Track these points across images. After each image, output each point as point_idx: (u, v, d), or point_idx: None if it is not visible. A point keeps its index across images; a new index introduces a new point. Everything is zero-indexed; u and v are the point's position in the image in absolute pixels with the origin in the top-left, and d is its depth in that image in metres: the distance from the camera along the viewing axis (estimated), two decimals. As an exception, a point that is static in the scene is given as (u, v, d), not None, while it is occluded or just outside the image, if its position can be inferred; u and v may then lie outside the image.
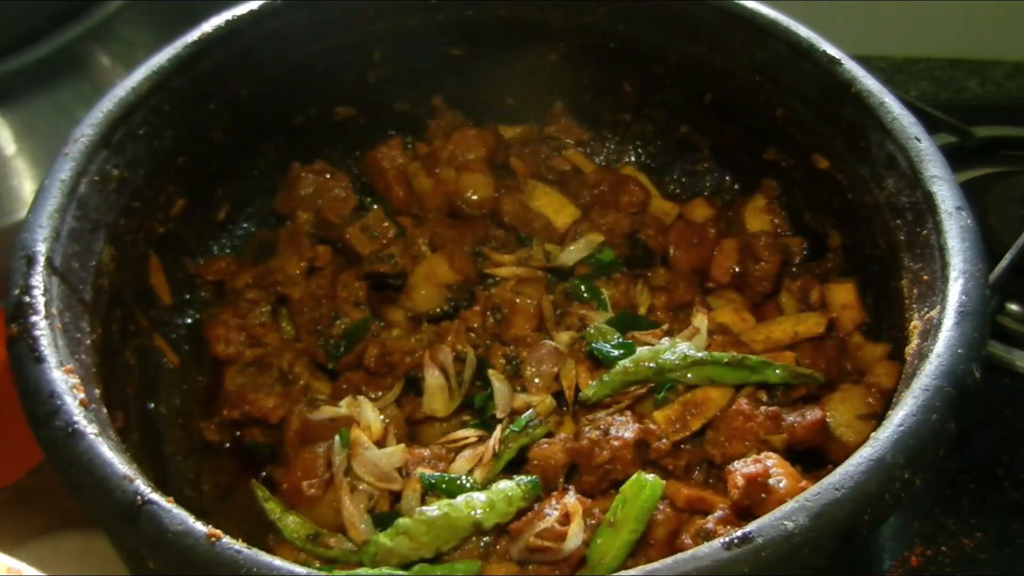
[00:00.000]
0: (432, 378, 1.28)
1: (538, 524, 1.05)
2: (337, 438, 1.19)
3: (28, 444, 0.97)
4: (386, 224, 1.47)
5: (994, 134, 1.90)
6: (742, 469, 1.06)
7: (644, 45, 1.50)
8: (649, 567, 0.83)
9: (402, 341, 1.34)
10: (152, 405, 1.32)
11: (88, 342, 1.10)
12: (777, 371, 1.22)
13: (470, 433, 1.22)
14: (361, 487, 1.16)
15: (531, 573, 1.05)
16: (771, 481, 1.03)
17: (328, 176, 1.51)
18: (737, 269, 1.44)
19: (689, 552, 0.84)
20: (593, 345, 1.27)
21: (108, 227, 1.20)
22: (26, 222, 1.10)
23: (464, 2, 1.49)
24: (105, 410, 1.04)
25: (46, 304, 1.04)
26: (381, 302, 1.43)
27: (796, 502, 0.86)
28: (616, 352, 1.25)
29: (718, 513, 1.06)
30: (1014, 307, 1.62)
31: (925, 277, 1.11)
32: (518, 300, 1.37)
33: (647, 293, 1.42)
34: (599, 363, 1.27)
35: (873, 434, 0.93)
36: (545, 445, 1.17)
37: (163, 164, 1.31)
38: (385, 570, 1.01)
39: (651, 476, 1.06)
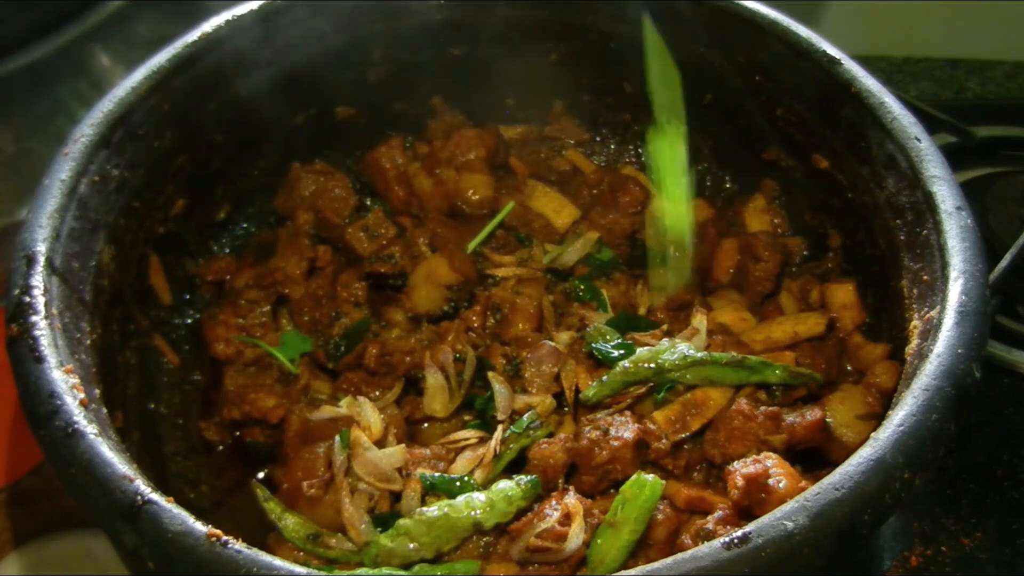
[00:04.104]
0: (432, 378, 1.28)
1: (538, 524, 1.05)
2: (337, 438, 1.20)
3: (28, 444, 0.97)
4: (386, 224, 1.47)
5: (994, 134, 1.90)
6: (742, 469, 1.06)
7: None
8: (649, 567, 0.83)
9: (402, 341, 1.34)
10: (152, 405, 1.32)
11: (88, 342, 1.10)
12: (777, 371, 1.22)
13: (471, 434, 1.22)
14: (361, 487, 1.16)
15: (531, 573, 1.05)
16: (771, 481, 1.03)
17: (328, 176, 1.51)
18: (737, 269, 1.44)
19: (689, 552, 0.84)
20: (593, 345, 1.27)
21: (108, 227, 1.20)
22: (26, 222, 1.10)
23: (464, 2, 1.49)
24: (105, 410, 1.04)
25: (46, 304, 1.04)
26: (381, 302, 1.43)
27: (796, 502, 0.86)
28: (616, 352, 1.25)
29: (718, 513, 1.06)
30: (1015, 307, 1.61)
31: (925, 277, 1.11)
32: (518, 300, 1.37)
33: (647, 293, 1.42)
34: (599, 363, 1.27)
35: (873, 434, 0.93)
36: (545, 445, 1.17)
37: (163, 164, 1.31)
38: (385, 570, 1.01)
39: (651, 476, 1.06)
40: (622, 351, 1.25)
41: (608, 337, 1.28)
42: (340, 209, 1.49)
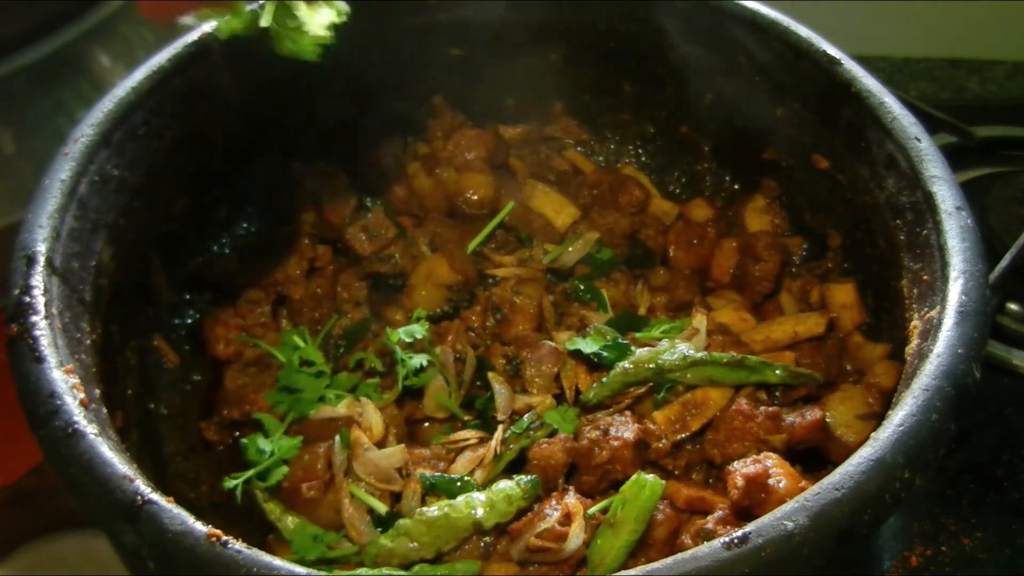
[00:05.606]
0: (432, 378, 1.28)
1: (539, 524, 1.05)
2: (337, 438, 1.20)
3: (28, 444, 0.97)
4: (386, 224, 1.47)
5: (994, 134, 1.90)
6: (742, 469, 1.06)
7: (644, 45, 1.50)
8: (649, 567, 0.83)
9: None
10: (152, 405, 1.32)
11: (88, 342, 1.10)
12: (777, 371, 1.22)
13: (471, 434, 1.22)
14: (361, 487, 1.16)
15: (531, 573, 1.05)
16: (771, 481, 1.03)
17: (328, 176, 1.51)
18: (737, 269, 1.44)
19: (689, 552, 0.84)
20: (586, 351, 1.27)
21: (108, 227, 1.20)
22: (26, 222, 1.10)
23: (464, 2, 1.49)
24: (105, 410, 1.04)
25: (46, 304, 1.04)
26: (381, 302, 1.43)
27: (796, 502, 0.86)
28: (609, 355, 1.25)
29: (718, 513, 1.06)
30: (1014, 307, 1.61)
31: (925, 277, 1.11)
32: (518, 300, 1.37)
33: (647, 293, 1.42)
34: (598, 364, 1.27)
35: (873, 434, 0.93)
36: (545, 445, 1.17)
37: (163, 164, 1.31)
38: (385, 570, 1.01)
39: (651, 476, 1.06)
40: (616, 352, 1.25)
41: (607, 337, 1.28)
42: (340, 209, 1.49)
